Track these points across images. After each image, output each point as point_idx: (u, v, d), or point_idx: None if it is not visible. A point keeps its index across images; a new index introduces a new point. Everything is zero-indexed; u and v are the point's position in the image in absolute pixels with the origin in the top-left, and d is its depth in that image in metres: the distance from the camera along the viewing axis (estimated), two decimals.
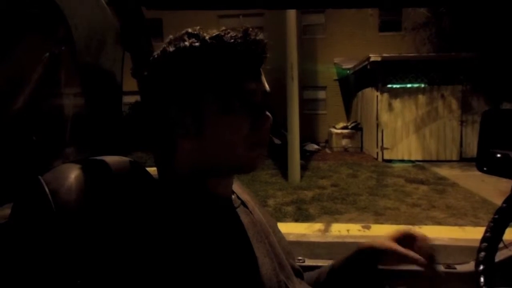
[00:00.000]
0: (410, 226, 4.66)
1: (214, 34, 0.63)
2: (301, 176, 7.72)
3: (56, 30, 0.85)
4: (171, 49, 0.65)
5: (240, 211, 0.72)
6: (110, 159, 0.75)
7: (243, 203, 0.75)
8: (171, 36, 0.67)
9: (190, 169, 0.67)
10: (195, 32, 0.65)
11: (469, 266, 1.12)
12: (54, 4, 0.81)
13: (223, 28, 0.65)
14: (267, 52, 0.67)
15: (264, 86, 0.67)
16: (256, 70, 0.66)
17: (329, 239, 4.33)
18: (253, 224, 0.72)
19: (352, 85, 13.29)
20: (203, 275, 0.56)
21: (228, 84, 0.63)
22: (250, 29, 0.64)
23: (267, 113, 0.66)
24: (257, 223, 0.73)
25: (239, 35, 0.63)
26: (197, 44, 0.63)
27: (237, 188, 0.78)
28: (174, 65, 0.64)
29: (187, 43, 0.64)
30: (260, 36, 0.65)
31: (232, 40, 0.62)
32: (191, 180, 0.67)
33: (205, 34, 0.64)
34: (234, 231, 0.67)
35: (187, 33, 0.65)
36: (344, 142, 11.89)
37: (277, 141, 10.93)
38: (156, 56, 0.67)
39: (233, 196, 0.74)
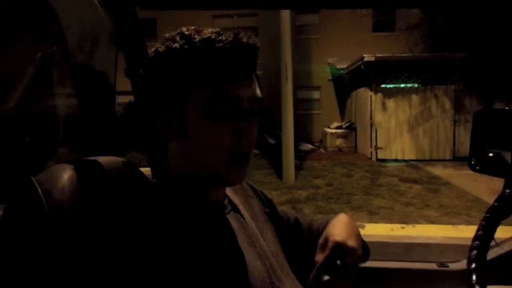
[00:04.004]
0: (404, 225, 4.70)
1: (205, 37, 0.61)
2: (296, 176, 7.73)
3: (49, 30, 0.85)
4: (162, 49, 0.64)
5: (231, 215, 0.71)
6: (103, 159, 0.74)
7: (235, 208, 0.74)
8: (166, 35, 0.65)
9: (178, 172, 0.67)
10: (188, 33, 0.63)
11: (462, 264, 1.13)
12: (47, 4, 0.81)
13: (217, 29, 0.63)
14: (258, 58, 0.64)
15: (253, 92, 0.64)
16: (244, 76, 0.63)
17: None
18: (243, 228, 0.71)
19: (346, 85, 13.33)
20: (190, 278, 0.56)
21: (213, 89, 0.61)
22: (242, 33, 0.62)
23: (253, 120, 0.63)
24: (248, 227, 0.73)
25: (230, 39, 0.61)
26: (186, 46, 0.61)
27: (229, 191, 0.77)
28: (162, 66, 0.64)
29: (177, 45, 0.62)
30: (252, 41, 0.63)
31: (221, 45, 0.60)
32: (181, 184, 0.67)
33: (196, 36, 0.62)
34: (222, 237, 0.66)
35: (180, 33, 0.64)
36: (338, 141, 11.93)
37: (271, 141, 10.94)
38: (149, 55, 0.66)
39: (225, 201, 0.73)
